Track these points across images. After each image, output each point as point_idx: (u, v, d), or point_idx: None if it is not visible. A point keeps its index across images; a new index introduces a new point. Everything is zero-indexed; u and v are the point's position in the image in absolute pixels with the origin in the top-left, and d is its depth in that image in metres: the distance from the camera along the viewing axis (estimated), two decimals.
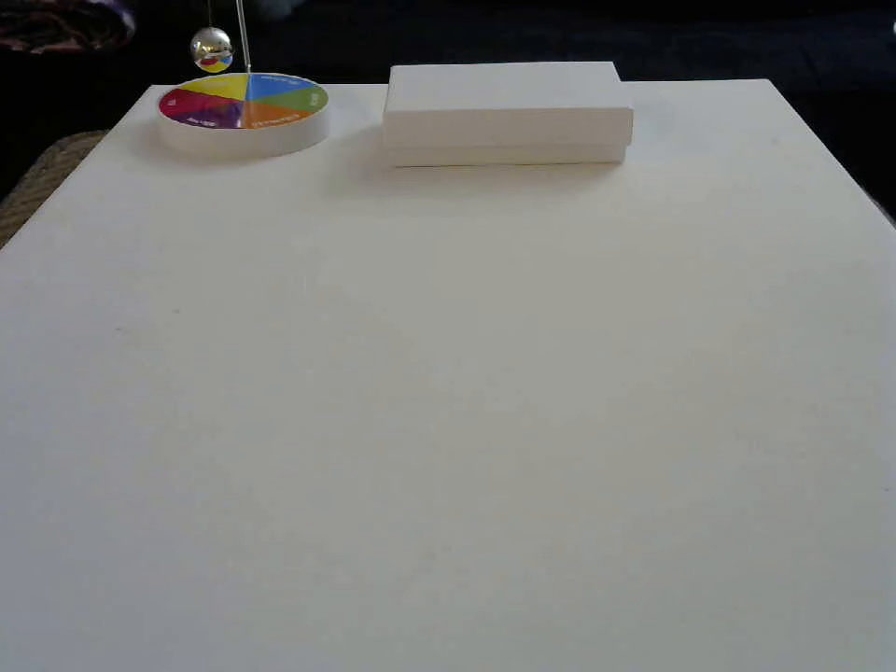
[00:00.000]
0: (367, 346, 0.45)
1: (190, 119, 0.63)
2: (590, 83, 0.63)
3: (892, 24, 1.47)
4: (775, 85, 0.72)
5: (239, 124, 0.63)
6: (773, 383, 0.42)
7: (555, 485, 0.37)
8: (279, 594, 0.33)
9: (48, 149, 0.83)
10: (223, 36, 0.64)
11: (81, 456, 0.38)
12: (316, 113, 0.64)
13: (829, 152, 0.62)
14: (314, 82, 0.69)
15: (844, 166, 0.60)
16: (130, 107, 0.70)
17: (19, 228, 0.55)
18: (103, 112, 0.78)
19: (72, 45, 1.41)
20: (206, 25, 0.64)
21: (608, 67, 0.65)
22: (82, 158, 0.63)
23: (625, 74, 0.65)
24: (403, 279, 0.49)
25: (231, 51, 0.64)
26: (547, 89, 0.62)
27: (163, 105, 0.65)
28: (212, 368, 0.43)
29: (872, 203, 0.56)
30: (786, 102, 0.70)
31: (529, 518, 0.35)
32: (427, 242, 0.53)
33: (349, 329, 0.46)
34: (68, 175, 0.61)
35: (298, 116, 0.64)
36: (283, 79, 0.69)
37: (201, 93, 0.67)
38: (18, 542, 0.35)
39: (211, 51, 0.64)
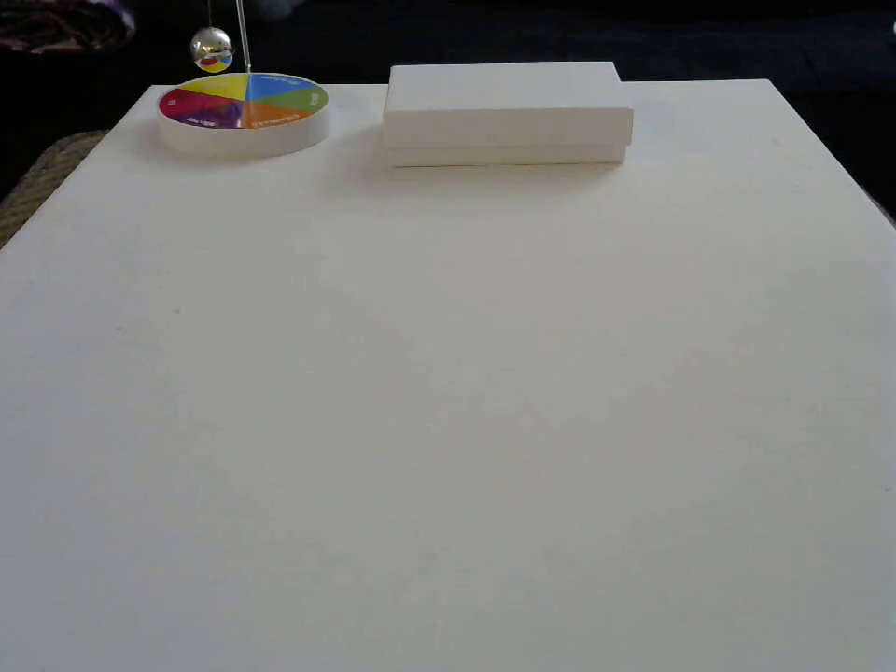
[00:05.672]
0: (367, 346, 0.45)
1: (190, 119, 0.63)
2: (590, 83, 0.63)
3: (892, 24, 1.47)
4: (775, 85, 0.72)
5: (239, 124, 0.63)
6: (773, 383, 0.42)
7: (555, 485, 0.37)
8: (279, 594, 0.33)
9: (48, 149, 0.83)
10: (223, 36, 0.64)
11: (81, 456, 0.38)
12: (316, 113, 0.64)
13: (829, 152, 0.62)
14: (314, 82, 0.69)
15: (844, 166, 0.60)
16: (130, 107, 0.70)
17: (19, 228, 0.55)
18: (103, 112, 0.78)
19: (72, 45, 1.41)
20: (206, 25, 0.64)
21: (608, 67, 0.65)
22: (82, 158, 0.63)
23: (625, 74, 0.65)
24: (403, 279, 0.49)
25: (231, 51, 0.64)
26: (547, 89, 0.62)
27: (163, 105, 0.65)
28: (212, 368, 0.43)
29: (872, 203, 0.56)
30: (786, 102, 0.70)
31: (529, 518, 0.35)
32: (427, 242, 0.53)
33: (349, 329, 0.46)
34: (68, 175, 0.61)
35: (298, 116, 0.64)
36: (283, 79, 0.69)
37: (201, 93, 0.67)
38: (18, 542, 0.35)
39: (211, 51, 0.64)
